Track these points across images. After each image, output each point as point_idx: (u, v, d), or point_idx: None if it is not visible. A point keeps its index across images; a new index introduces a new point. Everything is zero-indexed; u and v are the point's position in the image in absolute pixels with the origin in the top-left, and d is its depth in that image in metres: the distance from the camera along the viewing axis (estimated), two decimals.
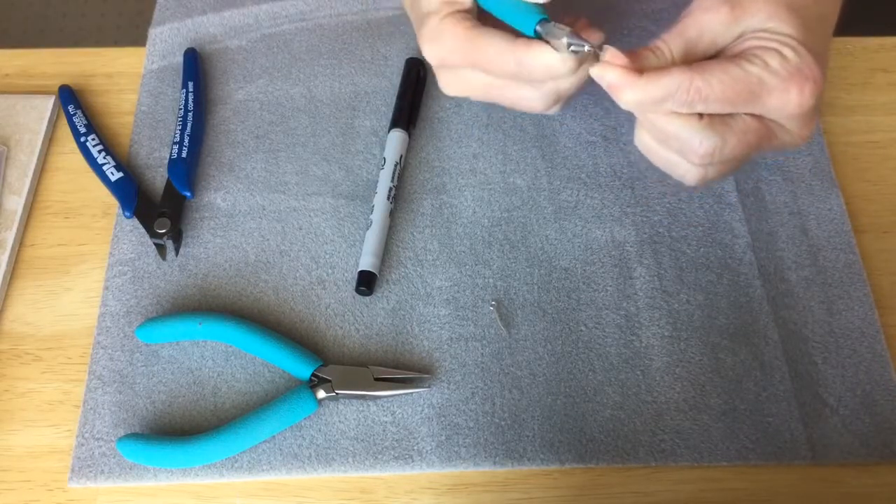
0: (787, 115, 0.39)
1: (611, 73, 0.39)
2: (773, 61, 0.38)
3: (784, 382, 0.47)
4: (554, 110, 0.46)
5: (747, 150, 0.40)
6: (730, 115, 0.39)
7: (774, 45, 0.39)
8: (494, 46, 0.41)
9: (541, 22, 0.41)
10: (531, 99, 0.44)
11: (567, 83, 0.43)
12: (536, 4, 0.42)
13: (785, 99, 0.38)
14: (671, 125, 0.39)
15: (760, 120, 0.40)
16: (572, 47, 0.40)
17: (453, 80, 0.45)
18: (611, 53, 0.39)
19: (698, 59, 0.40)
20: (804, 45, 0.39)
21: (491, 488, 0.45)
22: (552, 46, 0.41)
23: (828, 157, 0.55)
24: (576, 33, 0.40)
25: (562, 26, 0.41)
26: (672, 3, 0.60)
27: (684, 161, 0.41)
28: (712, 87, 0.38)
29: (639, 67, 0.39)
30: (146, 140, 0.55)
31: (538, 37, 0.41)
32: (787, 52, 0.38)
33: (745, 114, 0.39)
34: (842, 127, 0.56)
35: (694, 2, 0.41)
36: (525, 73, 0.42)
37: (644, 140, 0.42)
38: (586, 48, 0.40)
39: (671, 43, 0.40)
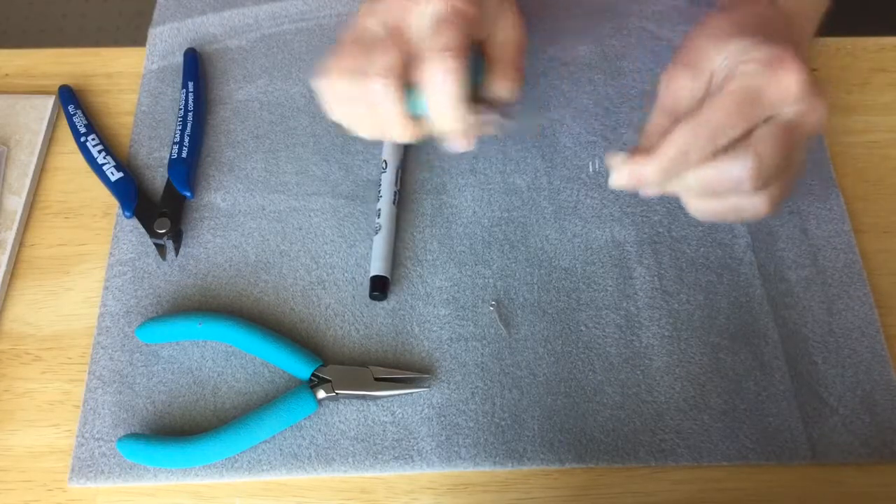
0: (795, 97, 0.39)
1: (626, 168, 0.40)
2: (748, 67, 0.39)
3: (784, 382, 0.47)
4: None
5: (785, 150, 0.40)
6: (748, 133, 0.39)
7: (739, 58, 0.40)
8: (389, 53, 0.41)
9: None
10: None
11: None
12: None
13: (782, 86, 0.39)
14: (708, 172, 0.40)
15: (776, 120, 0.40)
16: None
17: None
18: (614, 159, 0.40)
19: None
20: (760, 41, 0.40)
21: (491, 488, 0.45)
22: None
23: (828, 157, 0.55)
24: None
25: None
26: (672, 6, 0.60)
27: (744, 196, 0.41)
28: (718, 117, 0.39)
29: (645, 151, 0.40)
30: (146, 140, 0.55)
31: None
32: (753, 54, 0.39)
33: (761, 123, 0.40)
34: (842, 127, 0.56)
35: (660, 84, 0.42)
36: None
37: (699, 207, 0.43)
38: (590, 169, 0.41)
39: (659, 120, 0.42)
